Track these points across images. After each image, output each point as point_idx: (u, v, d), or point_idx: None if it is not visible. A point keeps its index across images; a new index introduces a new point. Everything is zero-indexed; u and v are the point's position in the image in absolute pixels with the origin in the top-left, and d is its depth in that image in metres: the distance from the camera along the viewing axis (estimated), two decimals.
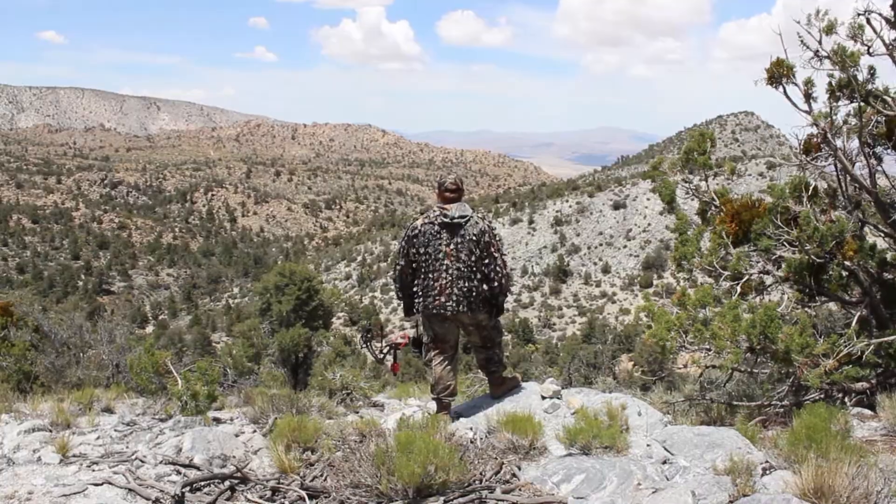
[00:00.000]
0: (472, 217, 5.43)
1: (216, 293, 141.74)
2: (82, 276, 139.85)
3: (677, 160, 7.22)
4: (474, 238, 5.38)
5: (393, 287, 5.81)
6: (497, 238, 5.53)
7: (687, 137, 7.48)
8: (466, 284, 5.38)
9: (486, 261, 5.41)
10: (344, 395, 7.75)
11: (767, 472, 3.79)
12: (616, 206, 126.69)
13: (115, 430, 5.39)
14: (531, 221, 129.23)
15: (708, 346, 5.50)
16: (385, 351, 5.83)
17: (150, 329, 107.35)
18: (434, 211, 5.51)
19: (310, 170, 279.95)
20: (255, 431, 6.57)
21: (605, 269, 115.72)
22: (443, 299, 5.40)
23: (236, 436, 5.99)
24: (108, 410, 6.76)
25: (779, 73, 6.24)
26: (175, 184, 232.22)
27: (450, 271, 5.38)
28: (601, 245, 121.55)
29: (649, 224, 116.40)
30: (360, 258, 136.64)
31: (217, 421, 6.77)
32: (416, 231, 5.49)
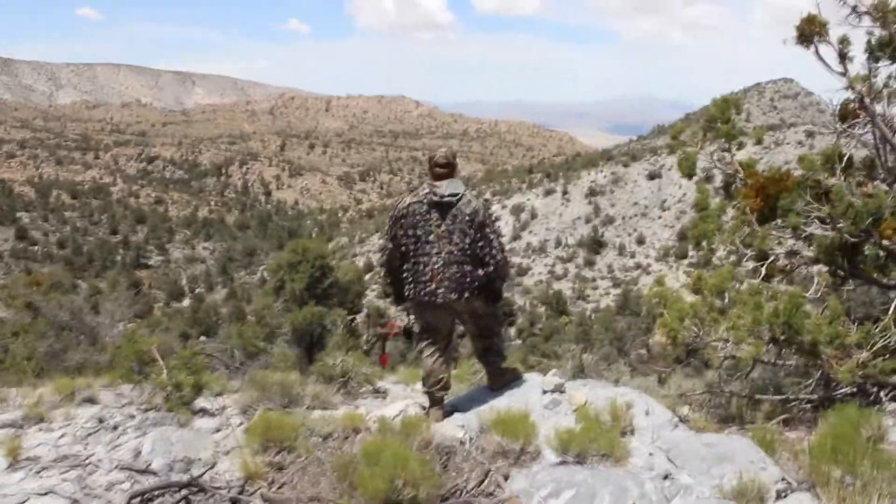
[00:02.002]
0: (464, 195, 4.94)
1: (251, 266, 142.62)
2: (120, 251, 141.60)
3: (699, 129, 6.63)
4: (467, 218, 4.88)
5: (381, 272, 5.36)
6: (493, 218, 5.03)
7: (711, 105, 6.88)
8: (459, 269, 4.90)
9: (481, 243, 4.92)
10: (343, 381, 7.33)
11: (783, 494, 3.28)
12: (651, 176, 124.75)
13: (82, 428, 5.03)
14: (565, 192, 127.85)
15: (726, 338, 4.97)
16: (373, 341, 5.40)
17: (186, 302, 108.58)
18: (423, 188, 5.03)
19: (344, 142, 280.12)
20: (241, 424, 6.20)
21: (640, 240, 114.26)
22: (433, 286, 4.92)
23: (217, 430, 5.62)
24: (91, 401, 6.43)
25: (810, 31, 5.61)
26: (210, 158, 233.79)
27: (441, 255, 4.90)
28: (636, 216, 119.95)
29: (684, 194, 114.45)
30: None
31: (203, 412, 6.41)
32: (404, 211, 5.02)
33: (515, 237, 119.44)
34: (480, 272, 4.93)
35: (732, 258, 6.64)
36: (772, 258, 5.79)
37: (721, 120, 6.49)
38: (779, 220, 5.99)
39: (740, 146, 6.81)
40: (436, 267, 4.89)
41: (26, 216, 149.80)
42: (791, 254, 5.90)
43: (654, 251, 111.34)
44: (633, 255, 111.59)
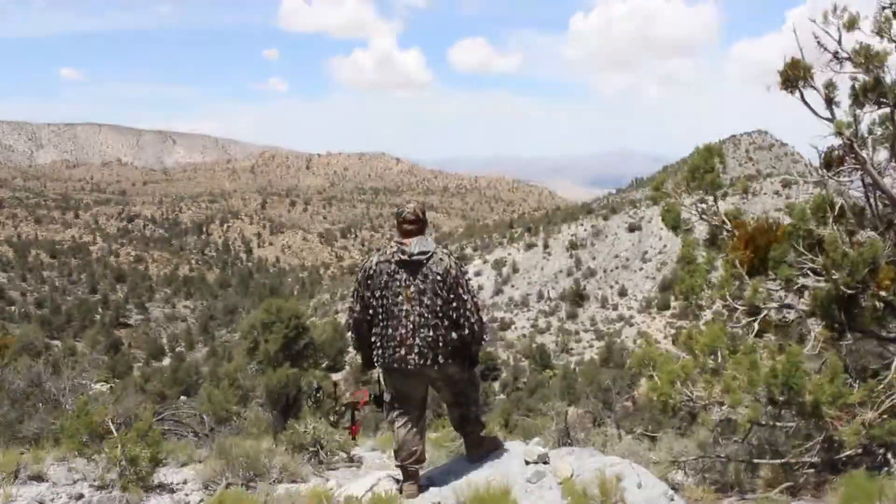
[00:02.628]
0: (435, 253, 4.59)
1: (232, 324, 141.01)
2: (100, 310, 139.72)
3: (682, 180, 6.37)
4: (439, 277, 4.53)
5: (349, 337, 4.97)
6: (466, 277, 4.68)
7: (693, 154, 6.65)
8: (432, 333, 4.52)
9: (454, 304, 4.55)
10: (314, 451, 6.88)
11: None
12: (631, 229, 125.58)
13: None
14: (546, 246, 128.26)
15: (720, 400, 4.62)
16: (341, 412, 4.99)
17: (166, 361, 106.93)
18: (391, 247, 4.68)
19: (325, 199, 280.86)
20: (201, 501, 5.75)
21: (622, 293, 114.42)
22: (403, 352, 4.54)
23: None
24: (39, 478, 5.95)
25: (794, 76, 5.39)
26: (191, 216, 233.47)
27: (410, 318, 4.53)
28: (617, 268, 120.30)
29: (665, 246, 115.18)
30: None
31: (161, 488, 5.96)
32: (371, 271, 4.67)
33: (497, 291, 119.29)
34: (454, 335, 4.57)
35: (715, 310, 6.33)
36: (764, 313, 5.48)
37: (705, 169, 6.24)
38: (770, 273, 5.70)
39: (725, 196, 6.56)
40: (405, 331, 4.52)
41: (3, 276, 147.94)
42: (784, 307, 5.60)
43: (637, 303, 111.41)
44: (615, 307, 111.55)
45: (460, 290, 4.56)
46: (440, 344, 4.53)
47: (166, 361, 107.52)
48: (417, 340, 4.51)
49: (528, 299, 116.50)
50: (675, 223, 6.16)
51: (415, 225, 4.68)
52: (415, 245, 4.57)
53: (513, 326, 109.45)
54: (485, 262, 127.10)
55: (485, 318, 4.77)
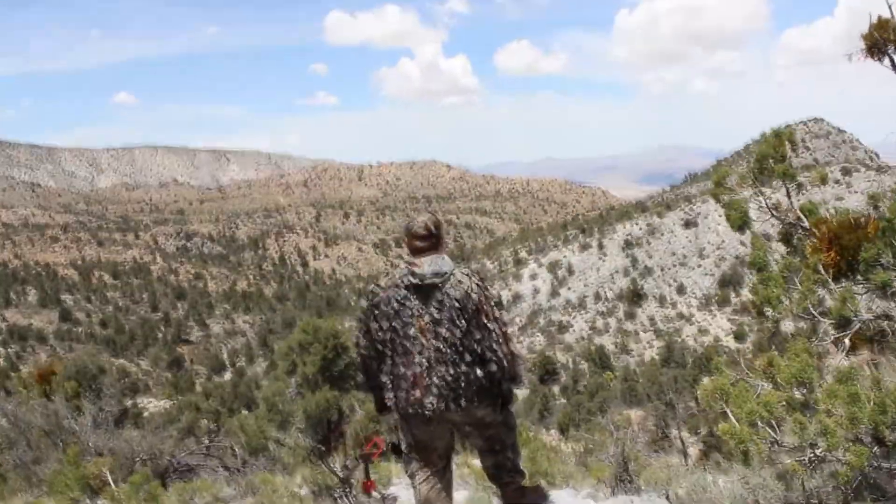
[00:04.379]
0: (452, 274, 3.80)
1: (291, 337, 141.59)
2: (161, 328, 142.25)
3: (748, 171, 5.49)
4: (457, 304, 3.73)
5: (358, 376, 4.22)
6: (492, 302, 3.86)
7: (761, 141, 5.77)
8: (451, 371, 3.73)
9: (478, 335, 3.74)
10: (341, 490, 6.14)
11: None
12: (687, 225, 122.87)
13: None
14: (601, 246, 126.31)
15: (814, 443, 3.74)
16: (350, 466, 4.23)
17: (227, 376, 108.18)
18: (400, 268, 3.91)
19: (378, 209, 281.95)
20: None
21: (680, 290, 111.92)
22: (418, 394, 3.76)
23: None
24: None
25: (883, 39, 4.46)
26: (247, 232, 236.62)
27: (425, 354, 3.74)
28: (674, 265, 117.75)
29: (722, 241, 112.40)
30: None
31: None
32: (377, 298, 3.90)
33: (553, 294, 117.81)
34: (480, 372, 3.77)
35: (794, 324, 5.40)
36: (857, 325, 4.57)
37: (775, 158, 5.35)
38: (860, 277, 4.79)
39: (799, 187, 5.65)
40: (420, 369, 3.73)
41: (69, 298, 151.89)
42: (881, 318, 4.67)
43: (696, 300, 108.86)
44: (674, 305, 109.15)
45: (484, 319, 3.75)
46: (462, 383, 3.73)
47: (227, 376, 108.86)
48: (435, 380, 3.72)
49: (585, 301, 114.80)
50: (741, 222, 5.27)
51: (427, 241, 3.89)
52: (427, 266, 3.78)
53: (570, 329, 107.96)
54: (540, 265, 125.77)
55: (518, 351, 3.97)
